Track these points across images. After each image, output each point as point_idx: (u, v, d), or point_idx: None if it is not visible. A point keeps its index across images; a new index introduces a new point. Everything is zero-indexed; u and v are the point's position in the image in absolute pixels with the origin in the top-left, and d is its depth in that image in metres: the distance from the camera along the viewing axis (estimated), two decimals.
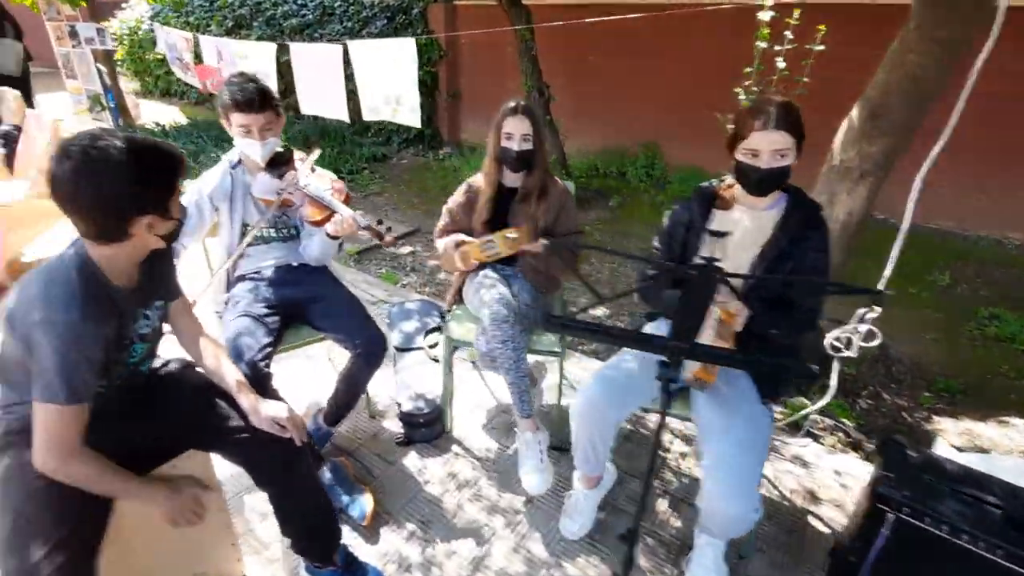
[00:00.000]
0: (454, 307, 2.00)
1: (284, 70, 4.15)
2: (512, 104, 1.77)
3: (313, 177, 1.78)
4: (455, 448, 1.95)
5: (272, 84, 4.12)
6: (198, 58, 4.67)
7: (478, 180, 1.90)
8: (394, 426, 2.04)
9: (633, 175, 4.52)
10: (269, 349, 1.61)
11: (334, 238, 1.74)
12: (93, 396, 1.07)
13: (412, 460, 1.90)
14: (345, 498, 1.67)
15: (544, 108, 4.13)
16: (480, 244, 1.79)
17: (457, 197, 1.91)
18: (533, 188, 1.81)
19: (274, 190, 1.74)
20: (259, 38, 6.37)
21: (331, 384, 1.77)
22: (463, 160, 5.09)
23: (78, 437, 1.05)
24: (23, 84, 5.25)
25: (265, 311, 1.69)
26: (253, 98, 1.65)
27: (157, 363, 1.34)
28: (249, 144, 1.71)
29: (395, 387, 2.09)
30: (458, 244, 1.84)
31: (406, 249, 3.70)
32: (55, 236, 2.82)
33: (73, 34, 5.84)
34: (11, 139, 3.56)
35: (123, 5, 8.09)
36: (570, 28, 3.66)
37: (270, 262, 1.84)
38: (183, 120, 6.51)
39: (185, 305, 1.36)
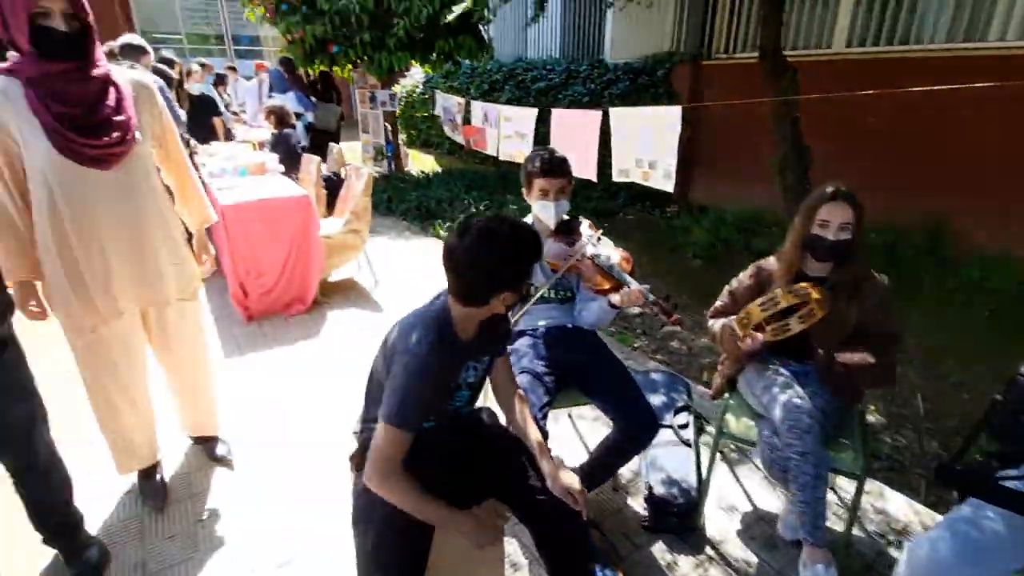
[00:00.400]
0: (726, 396, 1.86)
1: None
2: (831, 188, 1.61)
3: (600, 246, 1.86)
4: (708, 550, 1.78)
5: (530, 143, 4.58)
6: (467, 119, 5.43)
7: (771, 264, 1.77)
8: (638, 506, 1.96)
9: (908, 253, 3.84)
10: (547, 408, 1.69)
11: (614, 307, 1.78)
12: (419, 429, 1.21)
13: (660, 550, 1.79)
14: (599, 574, 1.63)
15: (802, 174, 3.79)
16: (760, 303, 1.56)
17: (743, 279, 1.80)
18: (845, 283, 1.61)
19: (563, 255, 1.86)
20: (508, 99, 7.16)
21: (572, 442, 1.76)
22: (692, 220, 4.93)
23: (399, 460, 1.19)
24: (336, 137, 6.71)
25: (544, 369, 1.78)
26: (558, 165, 1.84)
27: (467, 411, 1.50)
28: (543, 206, 1.86)
29: (642, 464, 2.02)
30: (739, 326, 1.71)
31: (635, 310, 3.67)
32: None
33: (372, 98, 7.29)
34: (331, 184, 4.51)
35: (405, 73, 9.88)
36: (842, 85, 3.32)
37: (545, 321, 1.95)
38: (438, 168, 7.61)
39: (506, 362, 1.49)
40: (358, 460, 1.34)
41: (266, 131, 5.71)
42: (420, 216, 5.52)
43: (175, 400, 2.15)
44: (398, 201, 5.83)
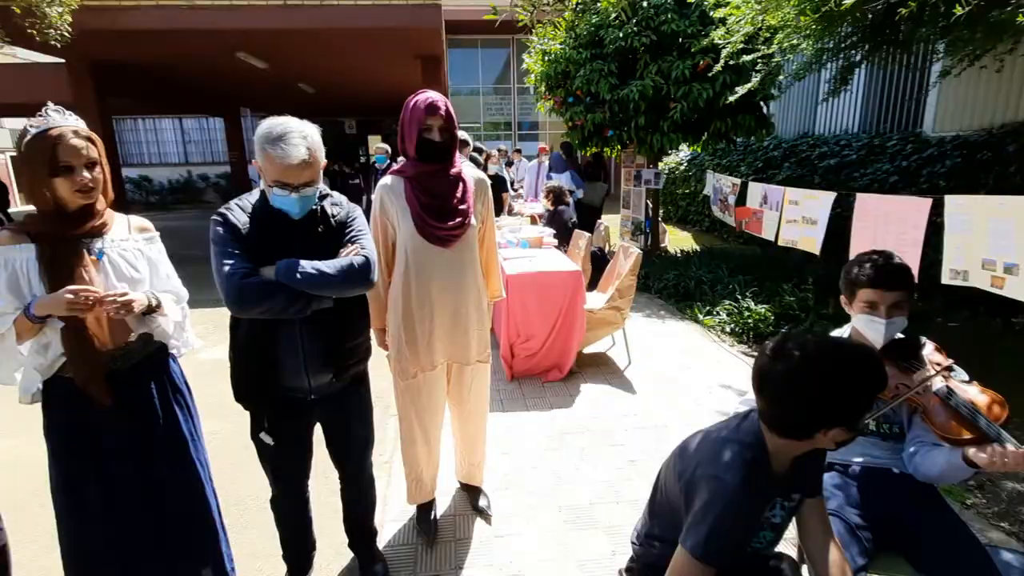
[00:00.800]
0: None
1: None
2: None
3: (954, 380, 1.46)
4: None
5: (821, 231, 4.08)
6: (740, 200, 5.16)
7: None
8: None
9: None
10: (863, 573, 1.34)
11: (973, 466, 1.34)
12: (723, 566, 1.06)
13: None
14: None
15: None
16: None
17: None
18: None
19: (892, 384, 1.50)
20: (785, 178, 6.60)
21: None
22: None
23: None
24: (599, 212, 7.13)
25: (859, 521, 1.43)
26: (897, 275, 1.52)
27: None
28: (870, 322, 1.54)
29: None
30: None
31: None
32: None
33: (637, 176, 7.56)
34: (596, 259, 4.73)
35: (669, 151, 10.07)
36: None
37: (862, 459, 1.59)
38: (696, 246, 7.38)
39: (821, 505, 1.25)
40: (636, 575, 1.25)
41: (540, 206, 6.40)
42: (677, 296, 5.36)
43: (456, 447, 2.41)
44: (654, 278, 5.78)
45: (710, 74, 5.24)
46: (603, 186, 7.30)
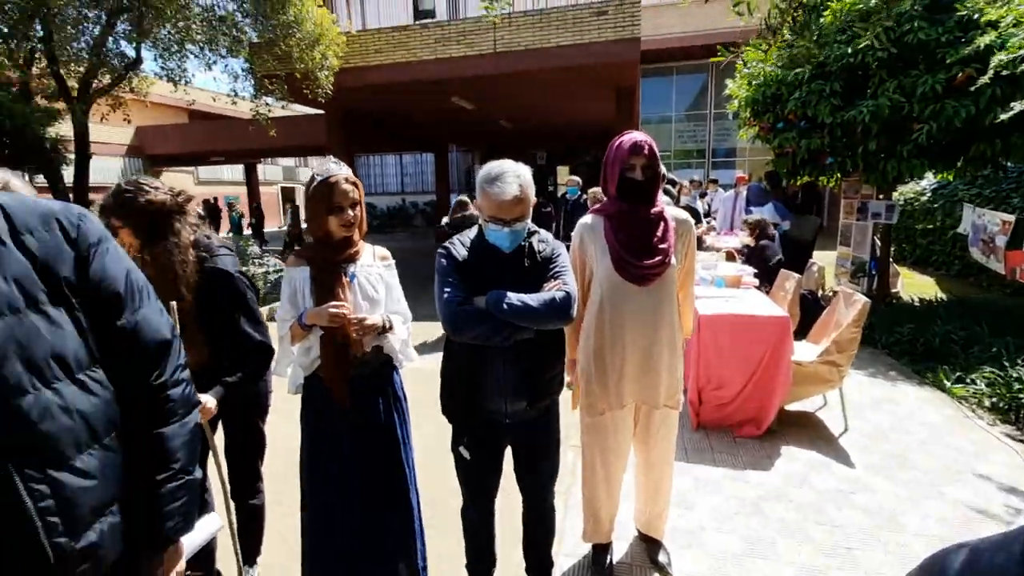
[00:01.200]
0: None
1: None
2: None
3: None
4: None
5: None
6: (1015, 242, 4.10)
7: None
8: None
9: None
10: None
11: None
12: None
13: None
14: None
15: None
16: None
17: None
18: None
19: None
20: None
21: None
22: None
23: None
24: (810, 249, 6.32)
25: None
26: None
27: None
28: None
29: None
30: None
31: None
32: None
33: (862, 209, 6.52)
34: (806, 303, 4.18)
35: (907, 179, 8.51)
36: None
37: None
38: (941, 294, 6.04)
39: None
40: None
41: (735, 240, 5.91)
42: (913, 354, 4.42)
43: (637, 493, 2.30)
44: (883, 330, 4.86)
45: (973, 87, 4.32)
46: (815, 219, 6.44)
